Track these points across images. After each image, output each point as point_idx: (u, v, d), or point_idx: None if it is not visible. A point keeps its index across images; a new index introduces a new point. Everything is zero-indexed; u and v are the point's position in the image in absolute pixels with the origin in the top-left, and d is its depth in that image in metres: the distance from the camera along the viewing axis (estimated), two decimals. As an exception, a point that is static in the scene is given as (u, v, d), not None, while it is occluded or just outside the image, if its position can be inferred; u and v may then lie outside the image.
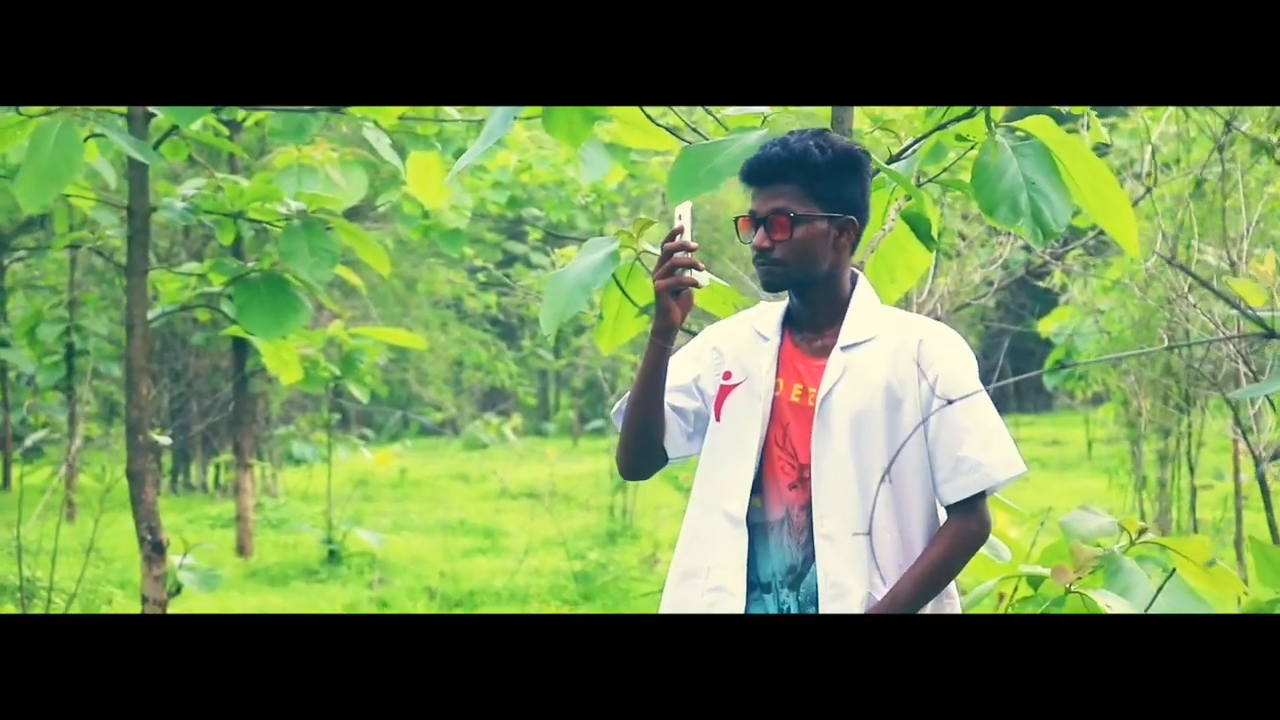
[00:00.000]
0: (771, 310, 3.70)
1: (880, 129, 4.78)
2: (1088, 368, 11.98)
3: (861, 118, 4.66)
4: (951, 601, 3.62)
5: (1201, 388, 9.96)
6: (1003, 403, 13.04)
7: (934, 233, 4.51)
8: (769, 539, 3.56)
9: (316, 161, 7.33)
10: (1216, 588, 4.28)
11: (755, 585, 3.56)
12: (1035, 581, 4.20)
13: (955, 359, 3.55)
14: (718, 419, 3.66)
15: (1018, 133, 4.10)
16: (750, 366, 3.64)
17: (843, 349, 3.55)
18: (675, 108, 4.54)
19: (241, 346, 12.67)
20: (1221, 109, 8.04)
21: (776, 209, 3.53)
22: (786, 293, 3.64)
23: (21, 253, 16.34)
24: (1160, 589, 4.07)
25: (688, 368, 3.73)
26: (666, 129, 4.48)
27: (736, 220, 3.62)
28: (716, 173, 4.01)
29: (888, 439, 3.50)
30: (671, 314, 3.54)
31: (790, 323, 3.66)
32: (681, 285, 3.51)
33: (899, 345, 3.54)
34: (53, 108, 5.85)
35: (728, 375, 3.67)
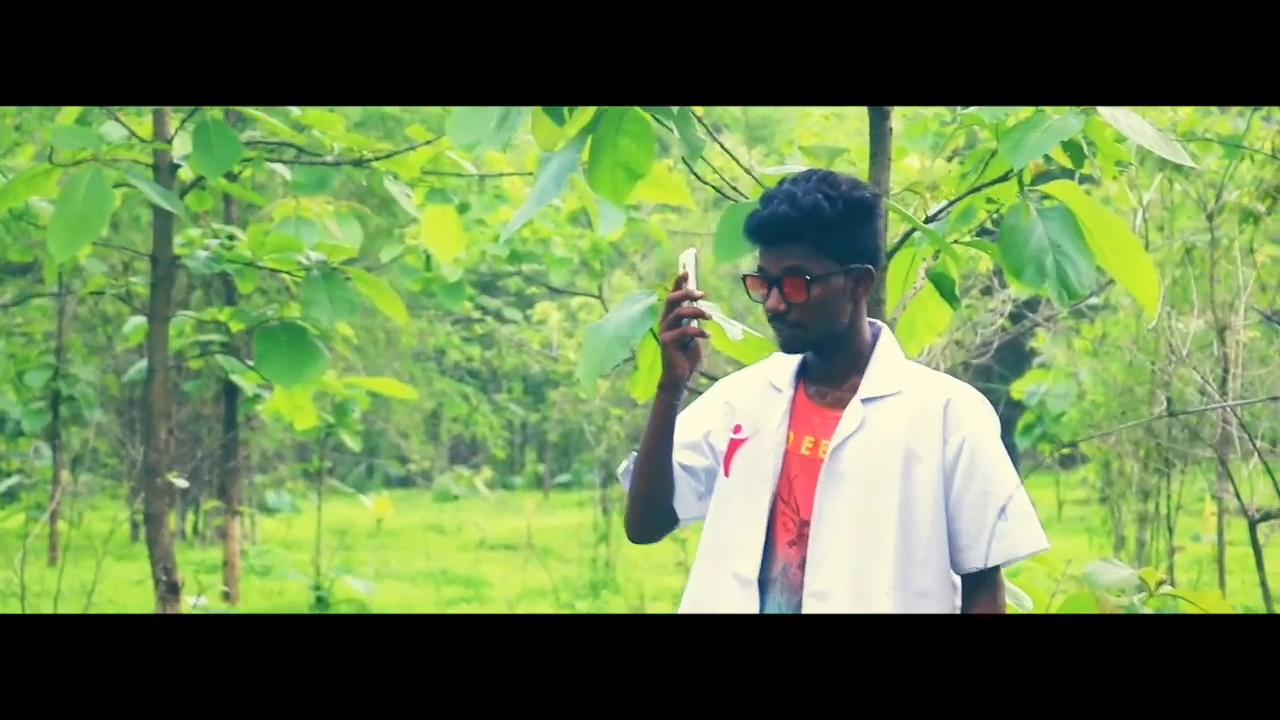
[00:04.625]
0: (786, 361, 3.55)
1: (908, 190, 4.95)
2: (1088, 430, 12.11)
3: (895, 177, 4.80)
4: None
5: (1183, 448, 10.14)
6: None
7: (956, 291, 4.66)
8: (765, 597, 3.42)
9: (314, 214, 7.44)
10: (1231, 638, 4.44)
11: None
12: (1059, 630, 4.35)
13: (983, 423, 3.42)
14: (727, 474, 3.51)
15: (1043, 196, 4.24)
16: (761, 420, 3.49)
17: (863, 401, 3.41)
18: (714, 168, 4.70)
19: (232, 394, 12.76)
20: (1209, 177, 8.27)
21: (790, 269, 3.35)
22: None
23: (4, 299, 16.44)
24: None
25: (698, 424, 3.58)
26: (714, 188, 4.60)
27: (745, 279, 3.46)
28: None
29: (901, 498, 3.35)
30: (678, 368, 3.40)
31: (805, 374, 3.52)
32: (688, 337, 3.37)
33: (924, 403, 3.40)
34: (82, 157, 5.99)
35: (738, 429, 3.51)
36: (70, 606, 9.62)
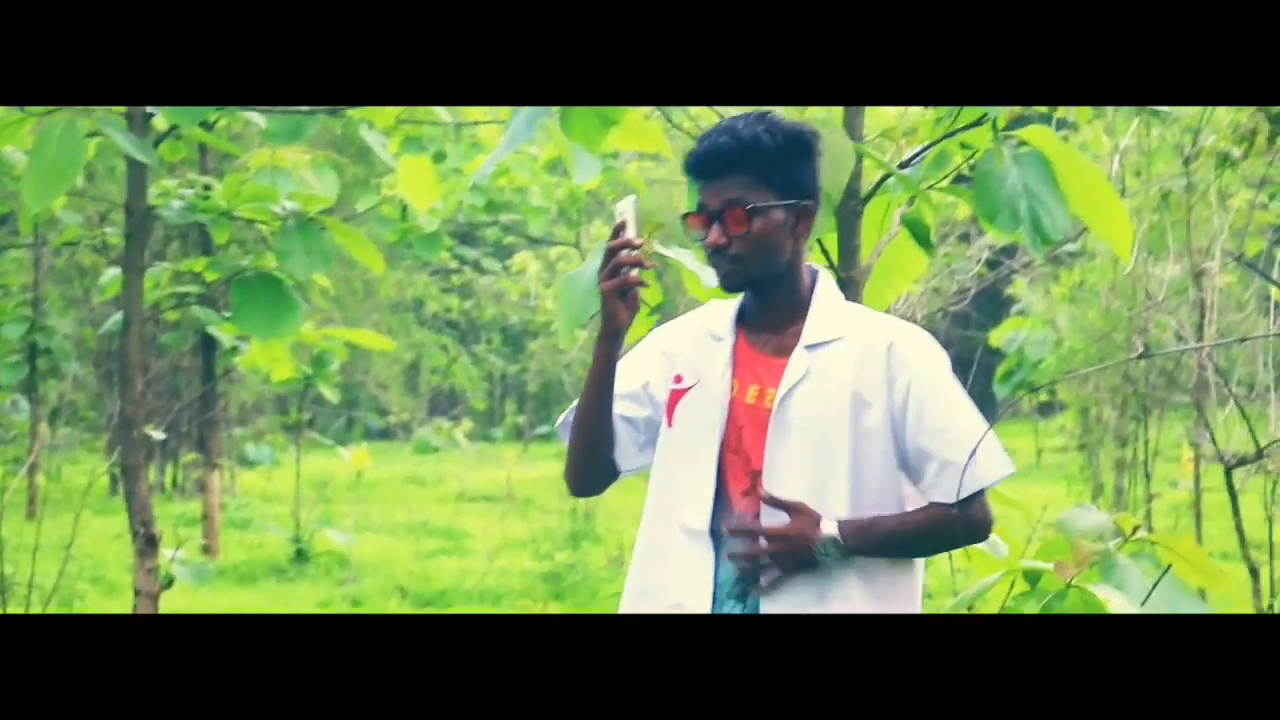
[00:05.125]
0: (723, 308, 3.51)
1: (882, 136, 4.94)
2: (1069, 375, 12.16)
3: (870, 123, 4.77)
4: (910, 595, 3.45)
5: (1160, 394, 10.17)
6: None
7: (932, 238, 4.64)
8: (720, 549, 3.36)
9: (290, 163, 7.38)
10: (1206, 582, 4.44)
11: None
12: (1033, 577, 4.33)
13: (928, 360, 3.39)
14: (670, 425, 3.45)
15: (1018, 142, 4.22)
16: (702, 368, 3.44)
17: (807, 348, 3.37)
18: (690, 115, 4.68)
19: (209, 346, 12.74)
20: (1186, 121, 8.26)
21: (731, 200, 3.31)
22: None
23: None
24: (1156, 584, 4.22)
25: (636, 373, 3.52)
26: (691, 135, 4.58)
27: (684, 217, 3.40)
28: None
29: (851, 445, 3.33)
30: (618, 317, 3.33)
31: (744, 321, 3.47)
32: (628, 286, 3.31)
33: (868, 347, 3.36)
34: (54, 106, 5.94)
35: (679, 379, 3.46)
36: (49, 560, 9.61)
